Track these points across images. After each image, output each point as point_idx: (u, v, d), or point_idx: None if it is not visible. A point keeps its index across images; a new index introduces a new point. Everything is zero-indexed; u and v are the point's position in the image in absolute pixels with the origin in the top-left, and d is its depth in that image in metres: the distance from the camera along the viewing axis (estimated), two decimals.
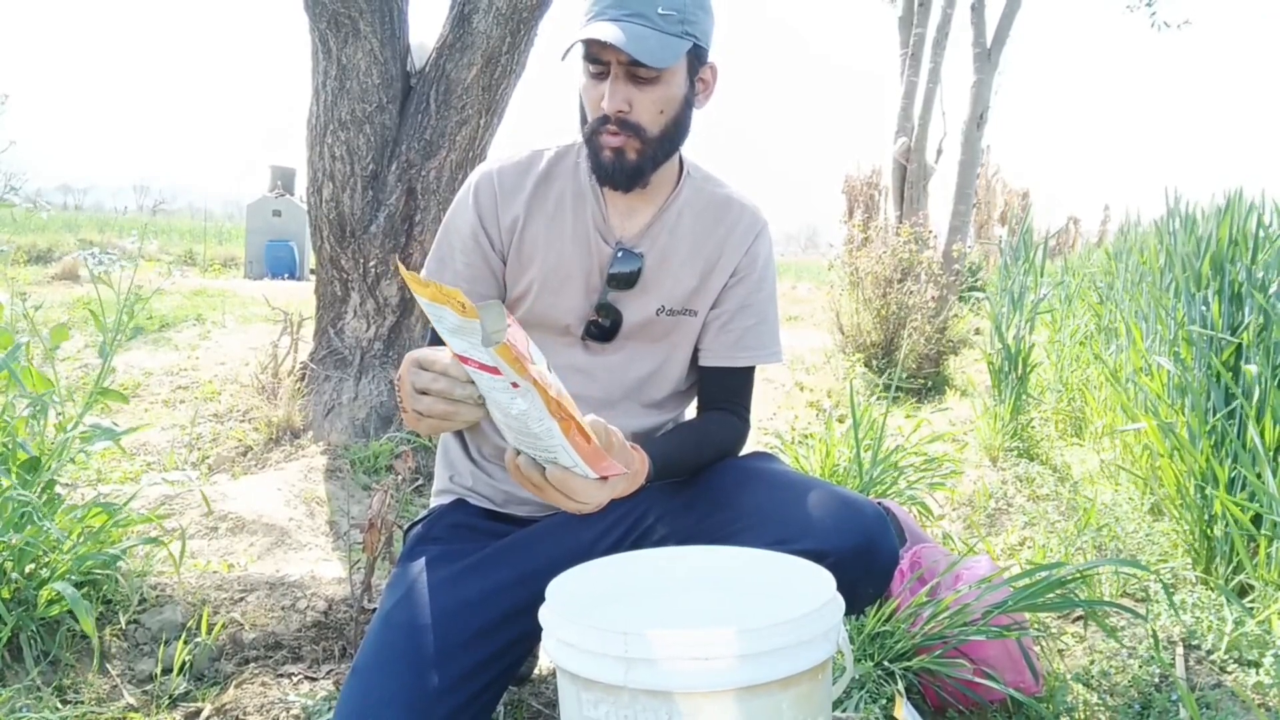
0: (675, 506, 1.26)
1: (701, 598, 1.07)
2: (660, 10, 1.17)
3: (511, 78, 2.88)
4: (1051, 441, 3.38)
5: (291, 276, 9.22)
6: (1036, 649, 1.62)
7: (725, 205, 1.37)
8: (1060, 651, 1.75)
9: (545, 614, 0.94)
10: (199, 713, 1.43)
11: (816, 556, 1.05)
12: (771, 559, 1.06)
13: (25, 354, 1.65)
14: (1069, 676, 1.62)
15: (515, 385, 0.86)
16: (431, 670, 1.09)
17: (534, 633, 1.05)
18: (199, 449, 2.90)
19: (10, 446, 1.62)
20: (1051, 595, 1.52)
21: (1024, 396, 3.42)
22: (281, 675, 1.53)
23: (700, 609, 1.06)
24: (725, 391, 1.38)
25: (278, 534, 2.21)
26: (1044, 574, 1.54)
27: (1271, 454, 2.03)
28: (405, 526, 1.42)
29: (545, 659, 1.58)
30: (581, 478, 0.98)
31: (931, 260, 5.02)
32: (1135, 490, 2.65)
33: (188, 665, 1.54)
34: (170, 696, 1.47)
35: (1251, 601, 1.88)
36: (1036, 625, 1.73)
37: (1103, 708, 1.54)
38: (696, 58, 1.24)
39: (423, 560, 1.23)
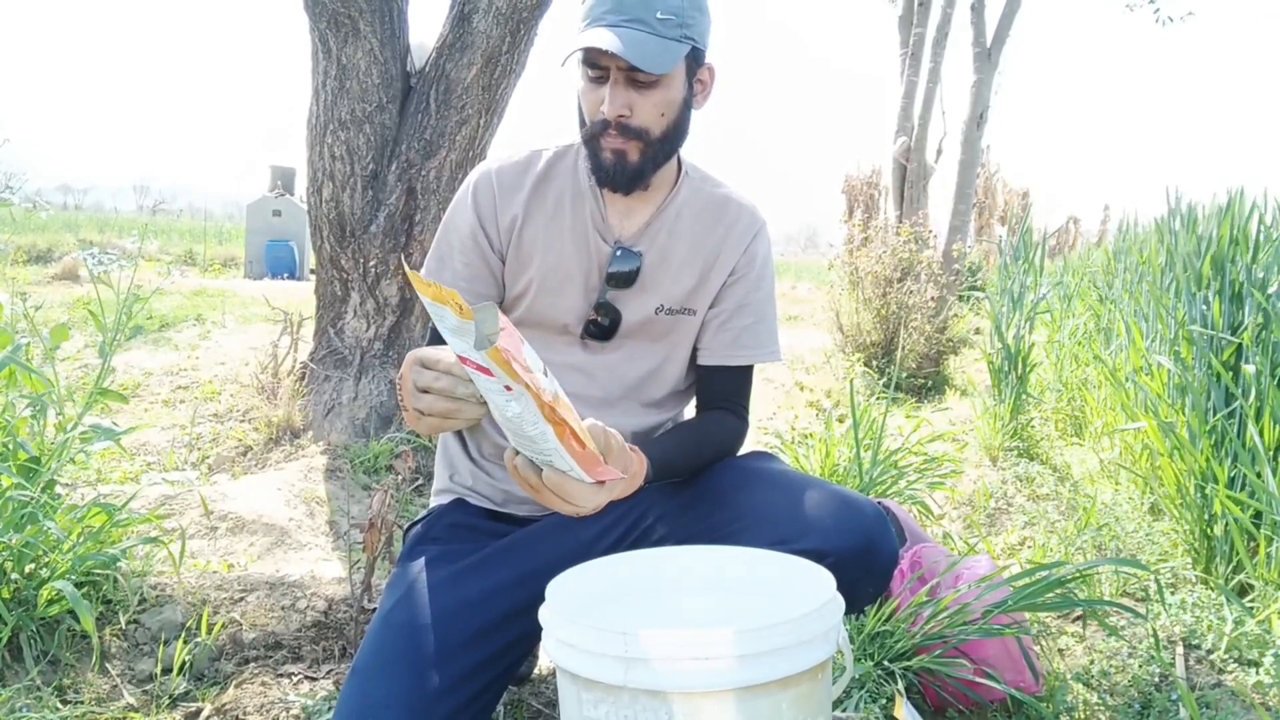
0: (675, 506, 1.26)
1: (701, 598, 1.07)
2: (659, 15, 1.17)
3: (511, 77, 2.88)
4: (1051, 441, 3.38)
5: (291, 276, 9.22)
6: (1036, 648, 1.62)
7: (723, 205, 1.37)
8: (1060, 651, 1.75)
9: (545, 614, 0.94)
10: (199, 713, 1.43)
11: (816, 556, 1.05)
12: (771, 558, 1.06)
13: (25, 354, 1.65)
14: (1069, 676, 1.62)
15: (509, 389, 0.87)
16: (431, 670, 1.09)
17: (534, 633, 1.05)
18: (199, 449, 2.90)
19: (10, 446, 1.62)
20: (1051, 595, 1.52)
21: (1024, 396, 3.42)
22: (281, 675, 1.53)
23: (700, 609, 1.06)
24: (724, 390, 1.38)
25: (278, 534, 2.21)
26: (1044, 573, 1.54)
27: (1271, 453, 2.03)
28: (405, 526, 1.42)
29: (545, 659, 1.58)
30: (577, 481, 0.98)
31: (931, 260, 5.02)
32: (1135, 490, 2.65)
33: (188, 665, 1.54)
34: (170, 696, 1.47)
35: (1251, 601, 1.88)
36: (1036, 625, 1.73)
37: (1103, 707, 1.54)
38: (694, 59, 1.24)
39: (423, 560, 1.23)
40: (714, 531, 1.20)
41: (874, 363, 4.86)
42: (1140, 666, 1.65)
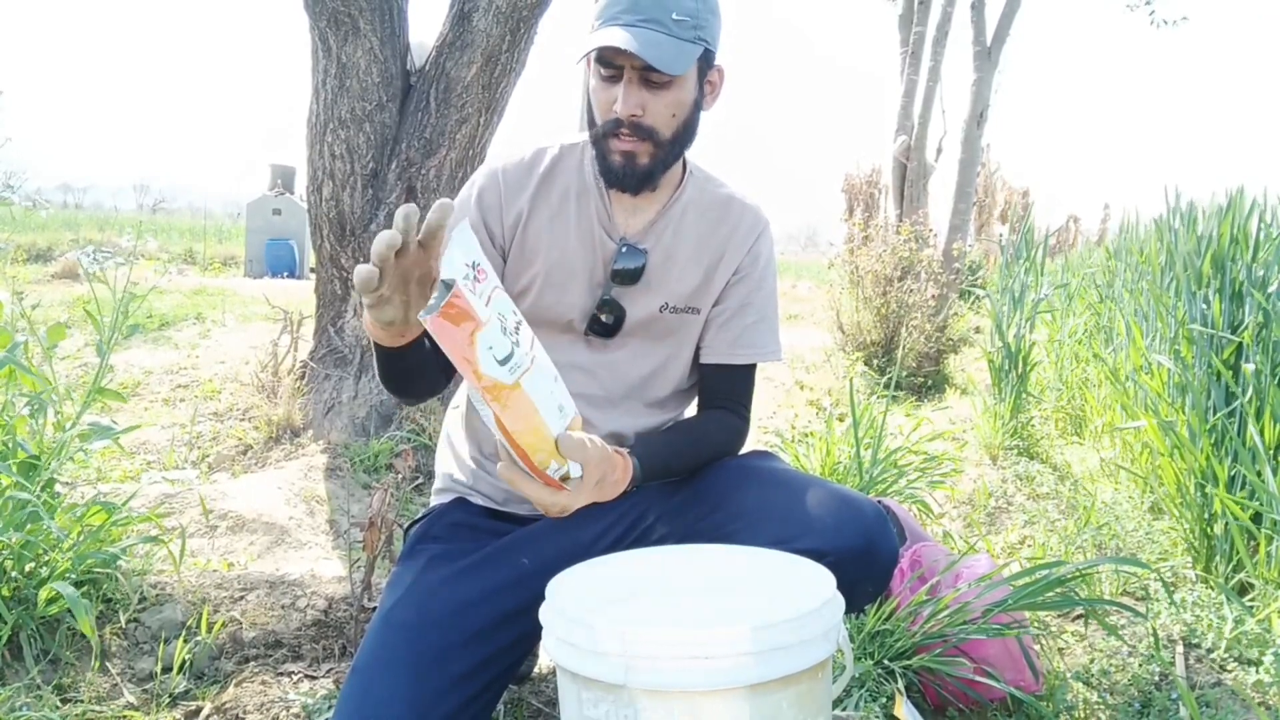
0: (675, 505, 1.26)
1: (701, 597, 1.07)
2: (674, 16, 1.17)
3: (511, 76, 2.88)
4: (1051, 440, 3.38)
5: (291, 275, 9.21)
6: (1036, 647, 1.62)
7: (728, 205, 1.37)
8: (1060, 650, 1.75)
9: (545, 614, 0.94)
10: (199, 711, 1.43)
11: (816, 555, 1.05)
12: (771, 558, 1.06)
13: (24, 353, 1.65)
14: (1069, 675, 1.62)
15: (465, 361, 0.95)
16: (432, 669, 1.09)
17: (534, 632, 1.06)
18: (199, 447, 2.90)
19: (10, 445, 1.62)
20: (1051, 594, 1.52)
21: (1024, 395, 3.42)
22: (281, 674, 1.53)
23: (700, 608, 1.06)
24: (725, 389, 1.38)
25: (278, 533, 2.21)
26: (1044, 572, 1.54)
27: (1271, 452, 2.03)
28: (405, 525, 1.42)
29: (545, 658, 1.58)
30: (525, 476, 1.05)
31: (931, 259, 5.02)
32: (1135, 489, 2.65)
33: (188, 664, 1.54)
34: (170, 695, 1.47)
35: (1251, 600, 1.88)
36: (1036, 624, 1.73)
37: (1102, 706, 1.54)
38: (706, 61, 1.25)
39: (423, 559, 1.23)
40: (714, 530, 1.20)
41: (874, 361, 4.86)
42: (1140, 665, 1.65)
